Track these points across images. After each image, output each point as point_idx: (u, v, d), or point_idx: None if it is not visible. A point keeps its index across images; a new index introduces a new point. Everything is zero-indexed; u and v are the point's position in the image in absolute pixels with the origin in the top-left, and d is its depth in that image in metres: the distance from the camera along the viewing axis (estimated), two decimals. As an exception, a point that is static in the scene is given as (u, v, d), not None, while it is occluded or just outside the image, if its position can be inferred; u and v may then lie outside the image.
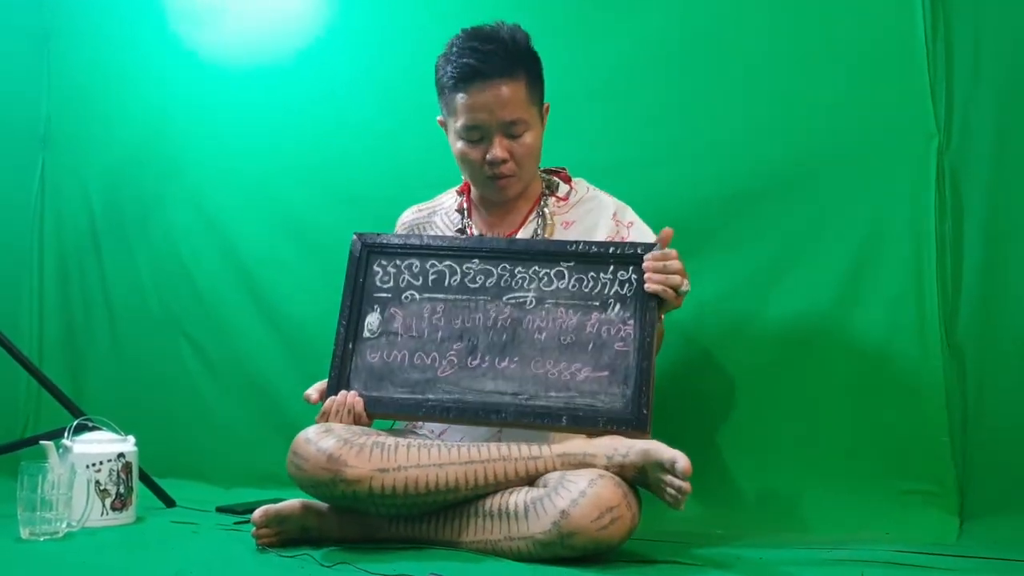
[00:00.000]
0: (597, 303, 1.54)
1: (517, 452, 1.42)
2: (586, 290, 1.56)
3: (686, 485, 1.32)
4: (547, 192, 1.76)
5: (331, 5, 2.45)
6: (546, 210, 1.73)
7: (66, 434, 1.79)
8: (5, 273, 2.76)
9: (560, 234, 1.70)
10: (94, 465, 1.76)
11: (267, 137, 2.50)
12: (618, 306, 1.53)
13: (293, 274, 2.41)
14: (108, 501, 1.77)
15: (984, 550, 1.47)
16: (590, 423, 1.47)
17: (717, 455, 1.86)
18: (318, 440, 1.43)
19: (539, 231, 1.71)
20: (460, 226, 1.77)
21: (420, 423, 1.70)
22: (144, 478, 1.98)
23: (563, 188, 1.77)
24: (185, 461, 2.41)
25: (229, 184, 2.52)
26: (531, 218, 1.73)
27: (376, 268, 1.65)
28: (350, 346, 1.61)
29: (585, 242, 1.59)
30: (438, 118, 1.72)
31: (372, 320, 1.62)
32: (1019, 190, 1.72)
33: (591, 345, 1.52)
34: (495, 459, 1.41)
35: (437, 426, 1.67)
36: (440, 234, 1.77)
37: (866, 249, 1.80)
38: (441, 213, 1.81)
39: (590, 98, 2.06)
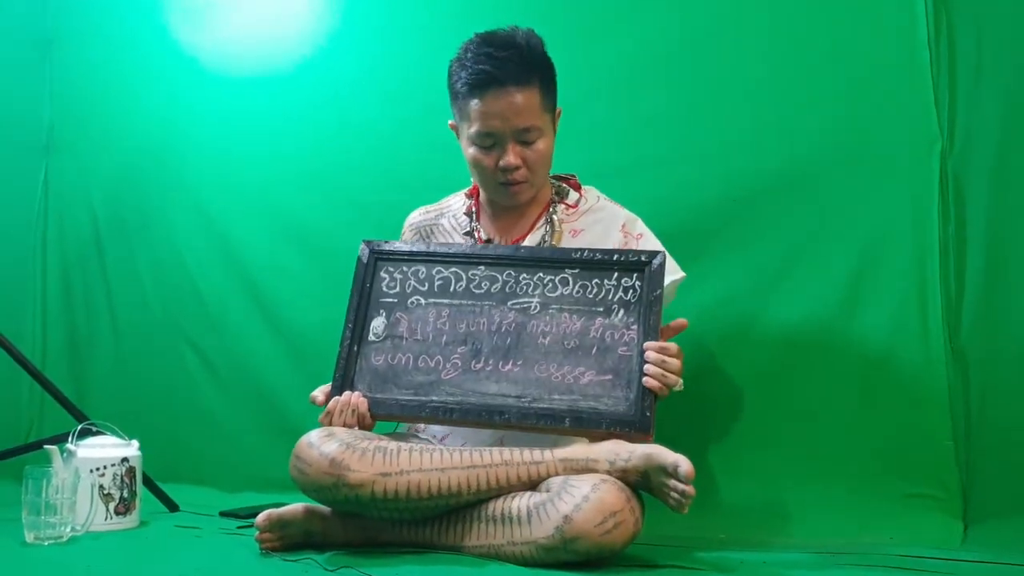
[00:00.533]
0: (601, 308, 1.55)
1: (519, 457, 1.42)
2: (590, 296, 1.56)
3: (689, 489, 1.32)
4: (556, 199, 1.76)
5: (333, 11, 2.46)
6: (555, 217, 1.73)
7: (70, 438, 1.79)
8: (9, 278, 2.76)
9: (568, 242, 1.70)
10: (98, 469, 1.76)
11: (270, 143, 2.50)
12: (622, 311, 1.54)
13: (295, 279, 2.41)
14: (112, 505, 1.77)
15: (988, 554, 1.47)
16: (593, 425, 1.47)
17: (720, 459, 1.85)
18: (321, 444, 1.43)
19: (547, 238, 1.71)
20: (467, 229, 1.77)
21: (422, 427, 1.70)
22: (148, 482, 1.99)
23: (573, 195, 1.77)
24: (188, 465, 2.41)
25: (231, 190, 2.53)
26: (539, 224, 1.73)
27: (383, 274, 1.66)
28: (355, 348, 1.61)
29: (589, 249, 1.60)
30: (450, 122, 1.72)
31: (377, 324, 1.63)
32: (1022, 194, 1.72)
33: (595, 349, 1.52)
34: (497, 464, 1.41)
35: (439, 430, 1.67)
36: (447, 237, 1.77)
37: (869, 253, 1.80)
38: (449, 216, 1.82)
39: (592, 100, 2.06)
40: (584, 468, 1.40)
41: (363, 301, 1.64)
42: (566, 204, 1.75)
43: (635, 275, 1.55)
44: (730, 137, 1.94)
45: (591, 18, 2.09)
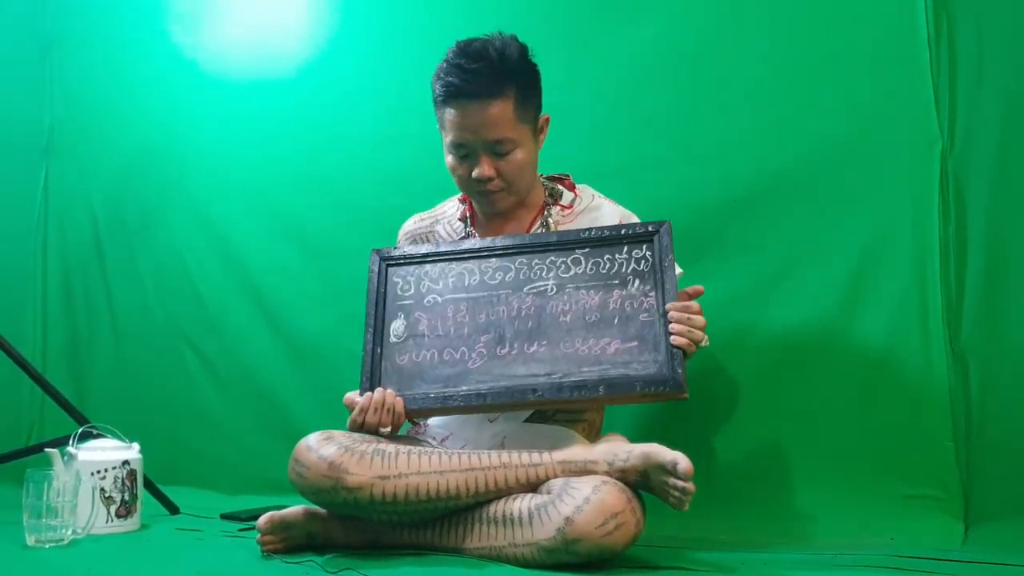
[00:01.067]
0: (616, 281, 1.56)
1: (518, 459, 1.42)
2: (604, 271, 1.58)
3: (689, 486, 1.32)
4: (550, 201, 1.76)
5: (333, 15, 2.46)
6: (550, 220, 1.73)
7: (71, 441, 1.79)
8: (9, 281, 2.76)
9: None
10: (99, 472, 1.76)
11: (270, 145, 2.50)
12: (637, 281, 1.55)
13: (296, 281, 2.41)
14: (113, 508, 1.77)
15: (989, 555, 1.46)
16: (627, 389, 1.47)
17: (721, 460, 1.85)
18: (319, 448, 1.43)
19: None
20: (463, 235, 1.77)
21: (423, 429, 1.70)
22: (148, 485, 1.99)
23: (567, 196, 1.77)
24: (189, 468, 2.41)
25: (232, 192, 2.53)
26: (535, 228, 1.73)
27: (396, 279, 1.67)
28: (378, 351, 1.62)
29: (596, 228, 1.61)
30: (438, 125, 1.72)
31: (397, 326, 1.63)
32: (1023, 194, 1.72)
33: (616, 319, 1.53)
34: (496, 466, 1.41)
35: (439, 433, 1.68)
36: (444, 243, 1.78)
37: (869, 253, 1.80)
38: (444, 222, 1.82)
39: (593, 101, 2.06)
40: (583, 469, 1.40)
41: (380, 306, 1.65)
42: (561, 206, 1.75)
43: (644, 245, 1.57)
44: (730, 137, 1.94)
45: (592, 19, 2.09)
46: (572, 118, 1.96)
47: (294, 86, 2.49)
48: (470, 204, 1.80)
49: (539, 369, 1.53)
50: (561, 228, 1.72)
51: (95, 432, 1.87)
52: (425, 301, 1.64)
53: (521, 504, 1.37)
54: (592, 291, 1.57)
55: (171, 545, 1.66)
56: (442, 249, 1.68)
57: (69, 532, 1.61)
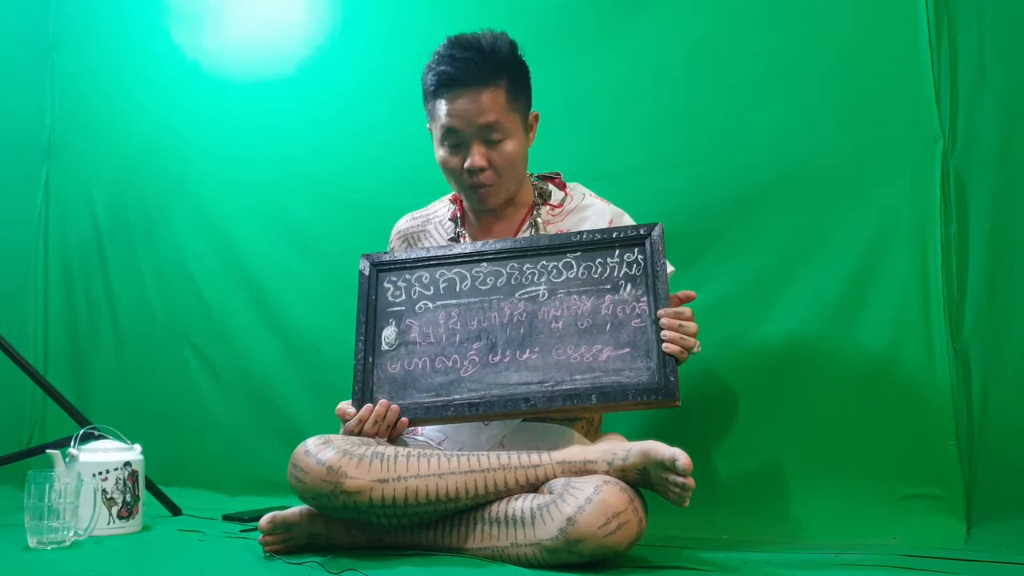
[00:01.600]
0: (608, 286, 1.56)
1: (517, 461, 1.42)
2: (595, 276, 1.57)
3: (689, 481, 1.32)
4: (540, 200, 1.76)
5: (333, 15, 2.46)
6: (539, 219, 1.73)
7: (72, 443, 1.79)
8: (10, 283, 2.77)
9: None
10: (100, 474, 1.76)
11: (271, 147, 2.51)
12: (629, 286, 1.55)
13: (297, 283, 2.41)
14: (115, 509, 1.77)
15: (991, 554, 1.46)
16: (619, 398, 1.47)
17: (722, 459, 1.85)
18: (317, 452, 1.43)
19: None
20: (453, 235, 1.77)
21: (420, 432, 1.70)
22: (150, 486, 1.99)
23: (557, 195, 1.77)
24: (191, 469, 2.41)
25: (233, 193, 2.53)
26: (524, 227, 1.73)
27: (387, 285, 1.66)
28: (370, 359, 1.61)
29: (588, 231, 1.61)
30: (427, 125, 1.73)
31: (388, 333, 1.63)
32: (1024, 193, 1.72)
33: (608, 326, 1.53)
34: (495, 468, 1.41)
35: (436, 435, 1.67)
36: (434, 242, 1.78)
37: (871, 253, 1.79)
38: (435, 222, 1.82)
39: (593, 103, 2.06)
40: (582, 470, 1.40)
41: (371, 313, 1.64)
42: (550, 205, 1.75)
43: (636, 249, 1.57)
44: (730, 138, 1.94)
45: (593, 22, 2.09)
46: (572, 119, 1.96)
47: (295, 87, 2.49)
48: (460, 204, 1.80)
49: (531, 377, 1.53)
50: (551, 227, 1.72)
51: (97, 433, 1.87)
52: (416, 307, 1.63)
53: (523, 504, 1.37)
54: (584, 296, 1.56)
55: (173, 546, 1.66)
56: (433, 254, 1.67)
57: (71, 533, 1.61)
